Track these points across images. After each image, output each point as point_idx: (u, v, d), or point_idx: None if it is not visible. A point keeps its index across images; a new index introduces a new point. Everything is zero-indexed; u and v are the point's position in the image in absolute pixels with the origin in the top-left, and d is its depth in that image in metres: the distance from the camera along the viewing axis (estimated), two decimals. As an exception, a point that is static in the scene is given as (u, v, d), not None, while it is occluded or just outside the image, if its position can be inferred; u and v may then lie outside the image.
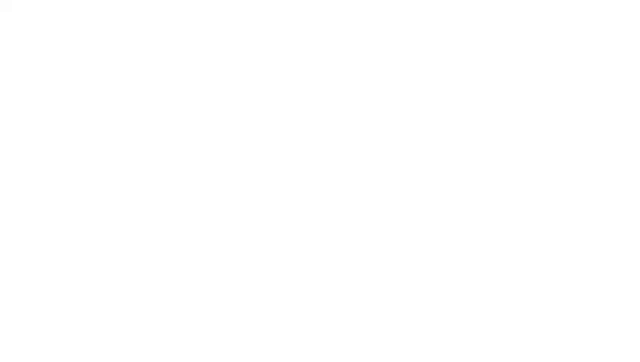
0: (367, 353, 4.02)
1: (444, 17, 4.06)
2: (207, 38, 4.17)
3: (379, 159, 4.07)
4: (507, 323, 3.96)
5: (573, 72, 3.99)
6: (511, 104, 4.01)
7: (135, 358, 4.09)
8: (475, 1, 4.04)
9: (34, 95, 4.21)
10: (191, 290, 4.11)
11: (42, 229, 4.17)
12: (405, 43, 4.10)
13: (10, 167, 4.22)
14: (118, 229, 4.15)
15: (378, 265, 4.05)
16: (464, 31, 4.06)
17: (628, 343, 3.89)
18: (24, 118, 4.20)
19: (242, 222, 4.12)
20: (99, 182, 4.17)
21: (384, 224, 4.05)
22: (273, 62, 4.14)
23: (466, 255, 4.00)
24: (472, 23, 4.06)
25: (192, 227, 4.13)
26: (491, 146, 4.02)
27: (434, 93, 4.06)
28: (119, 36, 4.19)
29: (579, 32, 4.00)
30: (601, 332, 3.91)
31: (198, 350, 4.09)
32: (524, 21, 4.03)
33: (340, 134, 4.10)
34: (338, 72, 4.11)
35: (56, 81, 4.20)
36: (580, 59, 3.99)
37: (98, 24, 4.21)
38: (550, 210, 3.97)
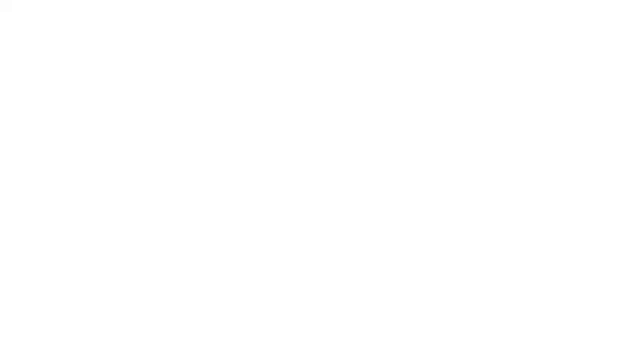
0: (367, 353, 4.02)
1: (444, 17, 4.07)
2: (207, 38, 4.17)
3: (379, 159, 4.08)
4: (507, 323, 3.96)
5: (574, 72, 3.99)
6: (511, 104, 4.01)
7: (135, 358, 4.10)
8: (475, 2, 4.05)
9: (34, 95, 4.21)
10: (191, 290, 4.11)
11: (42, 229, 4.17)
12: (405, 43, 4.10)
13: (11, 167, 4.22)
14: (118, 229, 4.15)
15: (378, 264, 4.05)
16: (464, 31, 4.06)
17: (628, 343, 3.89)
18: (24, 117, 4.20)
19: (242, 222, 4.12)
20: (99, 181, 4.17)
21: (384, 224, 4.05)
22: (273, 63, 4.15)
23: (465, 255, 4.00)
24: (472, 23, 4.06)
25: (192, 227, 4.13)
26: (491, 146, 4.02)
27: (434, 93, 4.06)
28: (119, 36, 4.18)
29: (579, 32, 4.00)
30: (601, 332, 3.91)
31: (198, 350, 4.09)
32: (524, 21, 4.03)
33: (339, 134, 4.10)
34: (338, 72, 4.11)
35: (57, 80, 4.20)
36: (580, 60, 3.99)
37: (98, 24, 4.21)
38: (550, 209, 3.97)
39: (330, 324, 4.05)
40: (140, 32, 4.18)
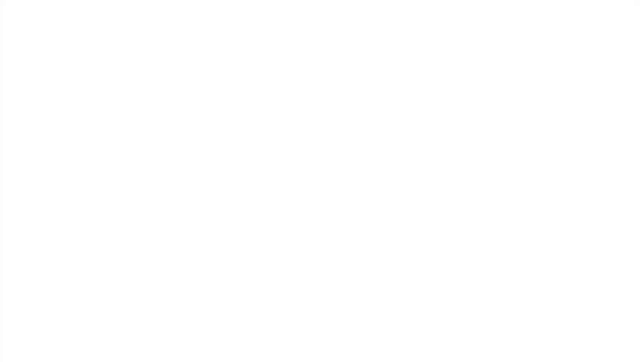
0: (367, 353, 4.05)
1: (445, 18, 4.07)
2: (207, 38, 4.17)
3: (378, 159, 4.09)
4: (507, 323, 3.99)
5: (574, 72, 4.01)
6: (511, 105, 4.03)
7: (135, 358, 4.11)
8: (476, 2, 4.06)
9: (33, 94, 4.19)
10: (191, 290, 4.12)
11: (43, 229, 4.16)
12: (405, 43, 4.11)
13: (11, 167, 4.20)
14: (118, 230, 4.15)
15: (377, 265, 4.07)
16: (464, 31, 4.07)
17: (628, 343, 3.94)
18: (24, 117, 4.18)
19: (242, 222, 4.13)
20: (98, 181, 4.17)
21: (383, 225, 4.07)
22: (273, 63, 4.15)
23: (465, 255, 4.02)
24: (472, 23, 4.08)
25: (192, 227, 4.14)
26: (491, 147, 4.04)
27: (434, 93, 4.07)
28: (119, 36, 4.17)
29: (579, 32, 4.02)
30: (601, 332, 3.95)
31: (198, 350, 4.11)
32: (524, 22, 4.04)
33: (339, 134, 4.11)
34: (338, 73, 4.12)
35: (56, 80, 4.18)
36: (580, 61, 4.02)
37: (98, 24, 4.19)
38: (549, 210, 4.00)
39: (330, 324, 4.08)
40: (140, 32, 4.17)
